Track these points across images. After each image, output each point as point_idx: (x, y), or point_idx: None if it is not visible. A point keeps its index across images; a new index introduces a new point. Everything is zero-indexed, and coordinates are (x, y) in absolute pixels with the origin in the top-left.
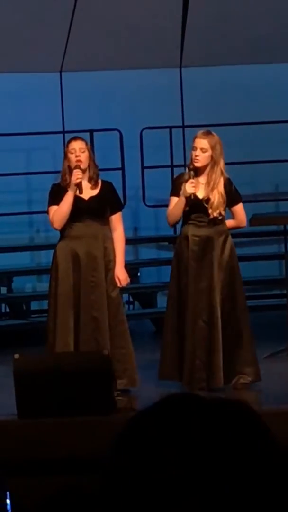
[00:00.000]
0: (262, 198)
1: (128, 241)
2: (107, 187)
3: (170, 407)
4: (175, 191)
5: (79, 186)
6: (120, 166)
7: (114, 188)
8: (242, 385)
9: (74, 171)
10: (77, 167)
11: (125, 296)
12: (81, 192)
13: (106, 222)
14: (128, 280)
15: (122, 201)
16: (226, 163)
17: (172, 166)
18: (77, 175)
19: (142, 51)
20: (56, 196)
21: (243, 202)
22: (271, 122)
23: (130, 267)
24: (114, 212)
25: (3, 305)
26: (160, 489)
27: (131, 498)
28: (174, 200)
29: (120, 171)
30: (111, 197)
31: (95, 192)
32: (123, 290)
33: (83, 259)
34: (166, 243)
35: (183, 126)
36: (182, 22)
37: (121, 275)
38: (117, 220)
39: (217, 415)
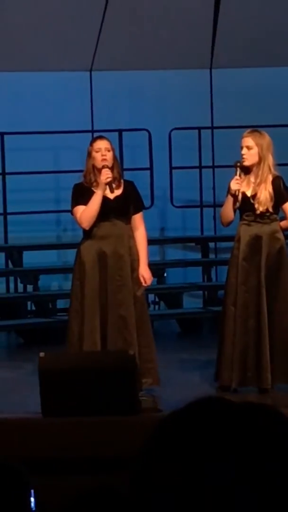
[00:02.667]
0: None
1: (154, 242)
2: (130, 186)
3: (201, 410)
4: (229, 192)
5: (109, 185)
6: (148, 166)
7: (136, 187)
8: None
9: (103, 170)
10: (105, 166)
11: (151, 296)
12: (112, 191)
13: (129, 221)
14: (152, 278)
15: (150, 201)
16: None
17: (200, 167)
18: (106, 175)
19: (173, 51)
20: (81, 196)
21: None
22: None
23: (157, 268)
24: (136, 211)
25: (30, 303)
26: (190, 492)
27: (161, 500)
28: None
29: (148, 171)
30: (134, 196)
31: (119, 191)
32: (147, 289)
33: (110, 258)
34: (193, 243)
35: (212, 127)
36: (213, 23)
37: (145, 274)
38: (139, 219)
39: (247, 418)
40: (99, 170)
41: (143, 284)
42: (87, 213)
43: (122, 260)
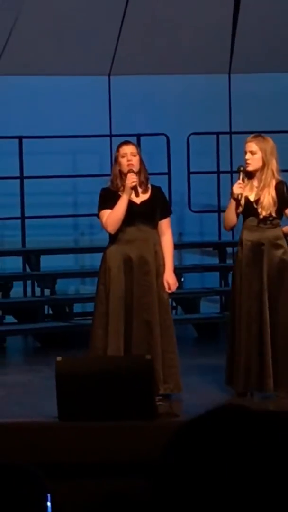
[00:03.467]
0: None
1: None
2: (157, 191)
3: (222, 418)
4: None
5: (135, 189)
6: (166, 171)
7: (164, 193)
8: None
9: (129, 175)
10: (131, 171)
11: (169, 301)
12: (137, 195)
13: (155, 226)
14: (177, 284)
15: None
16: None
17: (218, 172)
18: (132, 179)
19: (192, 56)
20: (107, 200)
21: None
22: None
23: (174, 272)
24: (163, 217)
25: (47, 307)
26: (210, 499)
27: (181, 506)
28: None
29: (166, 176)
30: (161, 202)
31: (146, 196)
32: (169, 295)
33: (136, 263)
34: (211, 249)
35: (231, 133)
36: (232, 28)
37: (171, 280)
38: (166, 225)
39: (266, 427)
40: (125, 175)
41: (168, 290)
42: (112, 217)
43: (147, 265)
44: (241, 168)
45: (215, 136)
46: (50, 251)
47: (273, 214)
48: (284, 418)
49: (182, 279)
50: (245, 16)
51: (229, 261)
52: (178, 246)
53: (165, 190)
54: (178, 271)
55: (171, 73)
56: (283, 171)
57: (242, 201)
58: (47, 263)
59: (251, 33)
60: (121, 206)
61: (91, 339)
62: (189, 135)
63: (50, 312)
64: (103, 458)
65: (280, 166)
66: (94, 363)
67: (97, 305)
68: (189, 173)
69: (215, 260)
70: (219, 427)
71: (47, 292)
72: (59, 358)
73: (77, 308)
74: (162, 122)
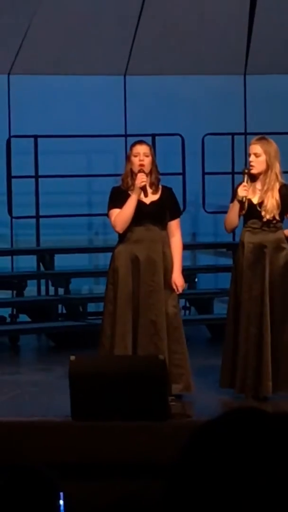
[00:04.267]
0: None
1: (186, 247)
2: (168, 192)
3: (237, 420)
4: (234, 197)
5: (144, 189)
6: (181, 171)
7: (174, 194)
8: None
9: (139, 174)
10: (141, 171)
11: (182, 302)
12: (146, 196)
13: (165, 227)
14: (184, 286)
15: (182, 206)
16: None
17: (233, 173)
18: (141, 179)
19: (207, 57)
20: (117, 199)
21: None
22: None
23: (188, 273)
24: (173, 218)
25: (61, 306)
26: (226, 500)
27: (198, 507)
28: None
29: (181, 176)
30: (171, 203)
31: (155, 197)
32: (179, 295)
33: (143, 263)
34: (225, 249)
35: (246, 133)
36: (248, 29)
37: (178, 281)
38: (175, 226)
39: (280, 429)
40: (136, 174)
41: (175, 291)
42: (120, 216)
43: (155, 265)
44: (246, 171)
45: (230, 136)
46: (64, 250)
47: (276, 217)
48: None
49: (196, 280)
50: (261, 16)
51: None
52: (192, 247)
53: (179, 190)
54: (192, 272)
55: (186, 74)
56: None
57: (246, 204)
58: (61, 262)
59: (266, 34)
60: (129, 205)
61: (100, 338)
62: (204, 136)
63: (64, 311)
64: (116, 458)
65: None
66: (108, 362)
67: (106, 304)
68: (203, 173)
69: (229, 261)
70: (235, 430)
71: (61, 291)
72: (72, 357)
73: (91, 307)
74: (177, 122)
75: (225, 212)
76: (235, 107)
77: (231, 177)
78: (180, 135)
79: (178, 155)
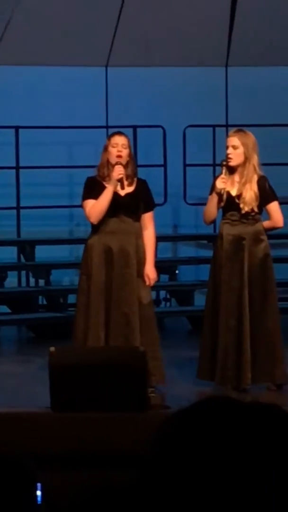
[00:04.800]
0: None
1: (167, 238)
2: (142, 185)
3: (208, 409)
4: (213, 189)
5: (121, 182)
6: (162, 163)
7: (148, 187)
8: (271, 386)
9: (116, 166)
10: (118, 163)
11: (162, 293)
12: (123, 188)
13: (138, 219)
14: (156, 279)
15: (163, 198)
16: (269, 164)
17: (214, 165)
18: (119, 171)
19: (189, 48)
20: (92, 189)
21: (284, 203)
22: None
23: (169, 264)
24: (147, 210)
25: (41, 297)
26: (198, 489)
27: (170, 496)
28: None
29: (162, 168)
30: (146, 195)
31: (131, 189)
32: (153, 287)
33: (116, 254)
34: (205, 241)
35: (227, 125)
36: (229, 21)
37: (151, 274)
38: (149, 219)
39: (253, 417)
40: (113, 165)
41: (147, 283)
42: (96, 208)
43: (128, 258)
44: (224, 163)
45: (211, 128)
46: (45, 241)
47: (255, 209)
48: (270, 410)
49: (177, 271)
50: (242, 8)
51: None
52: (173, 238)
53: (160, 182)
54: (173, 263)
55: (168, 65)
56: (277, 164)
57: (224, 196)
58: (42, 253)
59: (248, 26)
60: (105, 197)
61: (74, 329)
62: (186, 128)
63: (45, 302)
64: (96, 449)
65: (274, 160)
66: (88, 354)
67: (79, 296)
68: (185, 165)
69: (210, 253)
70: (206, 418)
71: (41, 282)
72: (52, 349)
73: (71, 299)
74: (159, 114)
75: (206, 205)
76: (216, 99)
77: (212, 169)
78: (162, 127)
79: (159, 146)
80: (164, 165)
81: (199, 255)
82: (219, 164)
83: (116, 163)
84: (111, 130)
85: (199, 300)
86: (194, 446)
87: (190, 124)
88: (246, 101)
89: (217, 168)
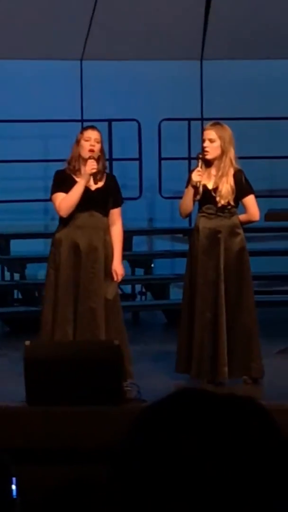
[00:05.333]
0: (279, 193)
1: (142, 232)
2: (112, 180)
3: (182, 401)
4: (189, 183)
5: (94, 176)
6: (137, 156)
7: (117, 182)
8: (247, 380)
9: (89, 161)
10: (91, 157)
11: (138, 287)
12: (96, 183)
13: (107, 214)
14: (124, 275)
15: (139, 191)
16: (245, 157)
17: (189, 158)
18: (92, 166)
19: (164, 42)
20: (62, 183)
21: (260, 197)
22: None
23: (144, 258)
24: (115, 206)
25: (16, 291)
26: (171, 481)
27: (142, 489)
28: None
29: (137, 162)
30: (115, 191)
31: (101, 184)
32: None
33: (84, 249)
34: (181, 235)
35: (202, 119)
36: (204, 14)
37: (118, 270)
38: (117, 214)
39: (226, 410)
40: (85, 160)
41: (115, 279)
42: (67, 201)
43: (96, 252)
44: (200, 156)
45: (186, 122)
46: (20, 235)
47: (231, 203)
48: (244, 402)
49: (152, 265)
50: (217, 2)
51: None
52: (149, 232)
53: (136, 176)
54: (148, 257)
55: (143, 59)
56: (251, 158)
57: (200, 189)
58: (17, 247)
59: (223, 20)
60: (76, 191)
61: (41, 324)
62: (161, 121)
63: (20, 296)
64: (71, 443)
65: (249, 153)
66: (63, 348)
67: (47, 290)
68: (160, 159)
69: (185, 246)
70: (179, 410)
71: (16, 276)
72: (27, 343)
73: None
74: (134, 107)
75: (181, 198)
76: (191, 92)
77: (187, 162)
78: (137, 121)
79: (134, 140)
80: (139, 159)
81: (175, 249)
82: (195, 157)
83: (89, 157)
84: (86, 124)
85: (175, 293)
86: (168, 439)
87: (165, 118)
88: (221, 95)
89: (193, 161)
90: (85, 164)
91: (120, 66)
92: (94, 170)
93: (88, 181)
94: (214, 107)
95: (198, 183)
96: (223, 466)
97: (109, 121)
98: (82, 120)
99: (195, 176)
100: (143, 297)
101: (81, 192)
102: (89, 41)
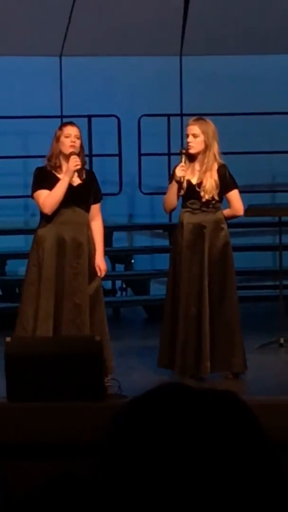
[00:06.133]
0: (258, 189)
1: (122, 228)
2: (91, 176)
3: (161, 396)
4: (173, 178)
5: (78, 172)
6: (117, 152)
7: (96, 178)
8: (229, 375)
9: (72, 157)
10: (73, 153)
11: (118, 283)
12: (81, 179)
13: (89, 210)
14: (106, 269)
15: (118, 187)
16: (224, 153)
17: (169, 154)
18: (75, 162)
19: (143, 38)
20: (43, 180)
21: (243, 192)
22: (270, 113)
23: (124, 254)
24: (96, 201)
25: None
26: (153, 475)
27: (126, 485)
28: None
29: (117, 158)
30: (95, 186)
31: (81, 179)
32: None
33: (69, 245)
34: (161, 230)
35: (181, 114)
36: (183, 10)
37: (102, 265)
38: (97, 210)
39: (207, 404)
40: (66, 156)
41: (98, 274)
42: (51, 198)
43: (80, 248)
44: (183, 151)
45: (166, 118)
46: (0, 231)
47: (215, 198)
48: (224, 396)
49: (132, 261)
50: None
51: None
52: (128, 228)
53: (115, 171)
54: (128, 253)
55: (123, 55)
56: (230, 153)
57: (184, 184)
58: None
59: (202, 15)
60: (60, 187)
61: (19, 320)
62: (140, 117)
63: (0, 293)
64: (52, 439)
65: (228, 148)
66: (44, 344)
67: (27, 286)
68: (140, 154)
69: (165, 242)
70: (159, 405)
71: None
72: (8, 339)
73: None
74: (113, 103)
75: (162, 193)
76: (171, 88)
77: (167, 158)
78: (116, 116)
79: (114, 136)
80: (119, 155)
81: (155, 245)
82: (176, 153)
83: (71, 154)
84: (65, 120)
85: (155, 289)
86: (149, 433)
87: (144, 114)
88: (200, 90)
89: (173, 157)
90: (66, 161)
91: (99, 62)
92: (78, 167)
93: (72, 177)
94: (193, 102)
95: (182, 178)
96: (203, 459)
97: (89, 117)
98: (61, 116)
99: (178, 172)
100: (124, 293)
101: (65, 188)
102: (68, 37)
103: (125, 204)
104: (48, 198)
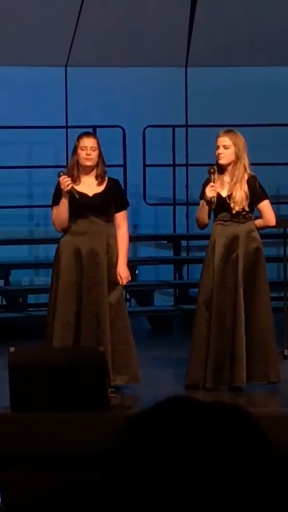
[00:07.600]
0: None
1: None
2: (114, 184)
3: (170, 409)
4: (203, 195)
5: (71, 192)
6: (122, 163)
7: (121, 186)
8: (262, 385)
9: (60, 179)
10: (60, 174)
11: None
12: (78, 196)
13: (110, 219)
14: (129, 278)
15: None
16: None
17: (174, 165)
18: (65, 183)
19: (149, 49)
20: (57, 194)
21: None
22: (274, 125)
23: (129, 265)
24: (119, 210)
25: (0, 297)
26: (159, 489)
27: (131, 497)
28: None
29: (122, 168)
30: (117, 195)
31: (100, 189)
32: (124, 287)
33: (86, 255)
34: (165, 241)
35: (186, 126)
36: (189, 21)
37: (123, 273)
38: (122, 218)
39: (214, 417)
40: (83, 168)
41: (119, 283)
42: (56, 217)
43: (98, 258)
44: (211, 170)
45: (171, 129)
46: (4, 241)
47: (246, 209)
48: (232, 410)
49: (137, 272)
50: (202, 9)
51: (183, 254)
52: (133, 239)
53: (120, 182)
54: (133, 263)
55: (128, 65)
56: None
57: (214, 199)
58: (1, 253)
59: (208, 26)
60: (61, 208)
61: (46, 328)
62: (145, 128)
63: (4, 302)
64: (55, 450)
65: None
66: (47, 354)
67: (50, 295)
68: (144, 165)
69: (170, 253)
70: (167, 418)
71: (1, 282)
72: (12, 349)
73: (31, 299)
74: (118, 114)
75: (167, 204)
76: (176, 99)
77: (172, 169)
78: (121, 127)
79: (119, 147)
80: (124, 165)
81: (159, 255)
82: (181, 164)
83: (59, 175)
84: (70, 130)
85: (159, 300)
86: (155, 447)
87: (149, 125)
88: (205, 101)
89: (177, 168)
90: (84, 172)
91: (105, 73)
92: (70, 186)
93: (67, 197)
94: (198, 113)
95: (213, 199)
96: (209, 474)
97: (94, 127)
98: (66, 127)
99: (209, 192)
100: (128, 304)
101: (65, 208)
102: (73, 48)
103: (130, 214)
104: (55, 218)
